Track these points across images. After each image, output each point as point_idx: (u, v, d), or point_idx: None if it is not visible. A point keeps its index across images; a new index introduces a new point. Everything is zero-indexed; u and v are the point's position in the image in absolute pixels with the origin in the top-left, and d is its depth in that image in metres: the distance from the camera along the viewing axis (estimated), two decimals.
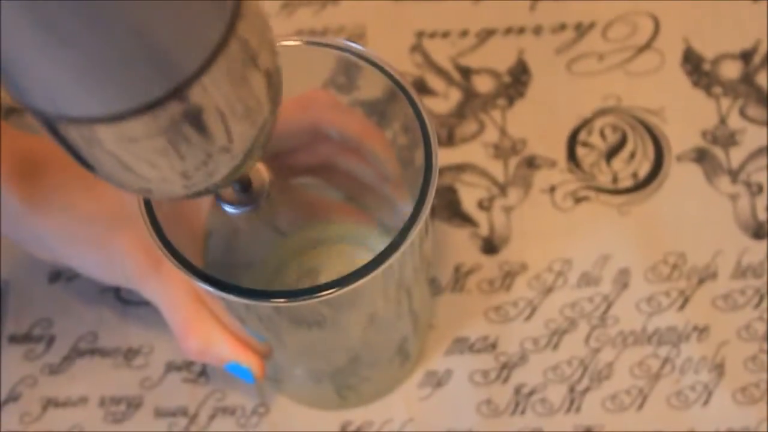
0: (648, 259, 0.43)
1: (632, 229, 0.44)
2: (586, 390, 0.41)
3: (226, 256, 0.37)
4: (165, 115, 0.20)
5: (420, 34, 0.48)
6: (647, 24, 0.48)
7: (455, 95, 0.47)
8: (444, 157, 0.45)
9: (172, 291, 0.35)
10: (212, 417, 0.41)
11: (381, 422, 0.41)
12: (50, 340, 0.43)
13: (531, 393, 0.41)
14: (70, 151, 0.22)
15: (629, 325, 0.42)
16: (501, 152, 0.45)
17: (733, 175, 0.44)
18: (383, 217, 0.39)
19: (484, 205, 0.44)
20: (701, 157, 0.45)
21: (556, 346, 0.42)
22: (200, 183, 0.24)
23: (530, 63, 0.47)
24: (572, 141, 0.45)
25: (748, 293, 0.42)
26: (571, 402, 0.41)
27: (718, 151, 0.45)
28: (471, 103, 0.46)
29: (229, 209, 0.30)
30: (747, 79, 0.46)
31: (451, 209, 0.44)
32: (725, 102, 0.46)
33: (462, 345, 0.42)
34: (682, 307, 0.42)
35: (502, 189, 0.45)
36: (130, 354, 0.42)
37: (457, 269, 0.43)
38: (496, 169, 0.45)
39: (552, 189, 0.45)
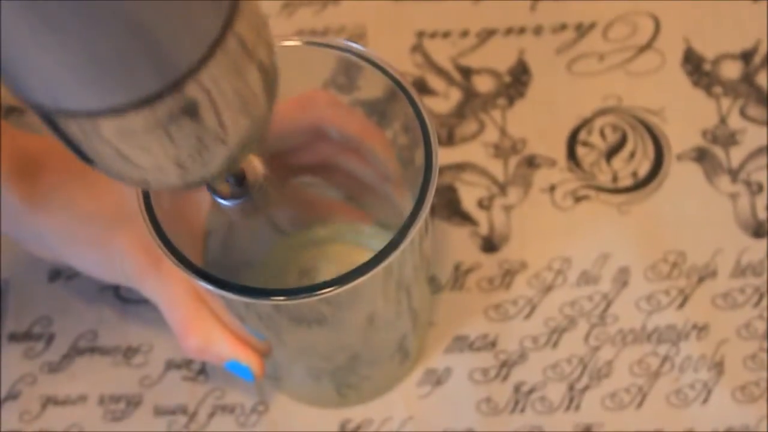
0: (648, 258, 0.43)
1: (632, 228, 0.44)
2: (586, 388, 0.41)
3: (225, 255, 0.37)
4: (163, 108, 0.21)
5: (420, 34, 0.48)
6: (648, 24, 0.48)
7: (455, 95, 0.47)
8: (444, 156, 0.45)
9: (171, 289, 0.35)
10: (212, 415, 0.41)
11: (380, 420, 0.41)
12: (50, 339, 0.43)
13: (530, 391, 0.41)
14: (69, 145, 0.22)
15: (629, 323, 0.42)
16: (501, 152, 0.45)
17: (733, 174, 0.44)
18: (383, 216, 0.39)
19: (484, 204, 0.44)
20: (701, 156, 0.45)
21: (555, 345, 0.42)
22: (196, 173, 0.24)
23: (530, 63, 0.47)
24: (572, 140, 0.46)
25: (748, 292, 0.42)
26: (571, 400, 0.41)
27: (718, 151, 0.45)
28: (471, 102, 0.46)
29: (222, 202, 0.30)
30: (747, 79, 0.46)
31: (451, 208, 0.44)
32: (725, 102, 0.46)
33: (462, 343, 0.42)
34: (681, 305, 0.42)
35: (502, 188, 0.45)
36: (129, 352, 0.43)
37: (456, 268, 0.43)
38: (496, 168, 0.45)
39: (552, 188, 0.45)
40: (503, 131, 0.46)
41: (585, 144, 0.45)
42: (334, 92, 0.34)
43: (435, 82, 0.47)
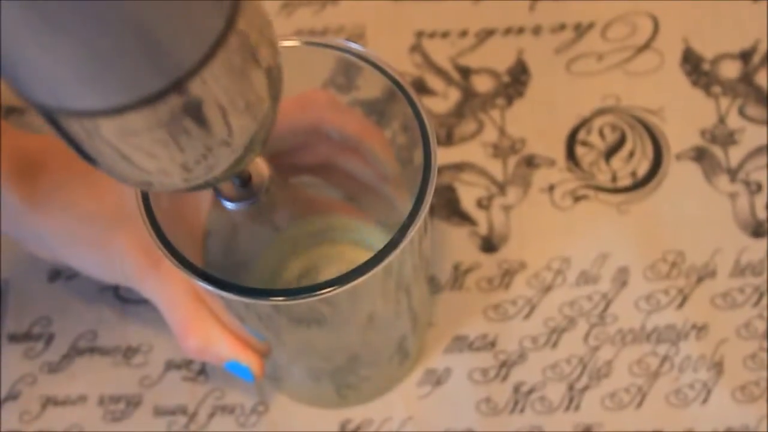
0: (647, 258, 0.43)
1: (631, 227, 0.44)
2: (585, 388, 0.41)
3: (225, 255, 0.37)
4: (165, 108, 0.20)
5: (419, 34, 0.48)
6: (647, 24, 0.48)
7: (454, 95, 0.47)
8: (443, 156, 0.45)
9: (171, 290, 0.35)
10: (211, 415, 0.41)
11: (380, 421, 0.41)
12: (49, 339, 0.43)
13: (530, 391, 0.41)
14: (71, 144, 0.22)
15: (628, 323, 0.42)
16: (500, 151, 0.45)
17: (732, 174, 0.44)
18: (382, 216, 0.39)
19: (483, 204, 0.44)
20: (700, 156, 0.45)
21: (555, 345, 0.42)
22: (200, 176, 0.24)
23: (529, 63, 0.47)
24: (571, 140, 0.46)
25: (747, 291, 0.42)
26: (570, 400, 0.41)
27: (717, 150, 0.45)
28: (470, 102, 0.46)
29: (228, 205, 0.30)
30: (746, 78, 0.46)
31: (450, 208, 0.44)
32: (724, 101, 0.46)
33: (461, 343, 0.42)
34: (681, 305, 0.42)
35: (501, 188, 0.45)
36: (129, 352, 0.43)
37: (456, 268, 0.43)
38: (495, 168, 0.45)
39: (551, 188, 0.45)
40: (502, 131, 0.46)
41: (584, 144, 0.45)
42: (333, 92, 0.34)
43: (434, 82, 0.47)
